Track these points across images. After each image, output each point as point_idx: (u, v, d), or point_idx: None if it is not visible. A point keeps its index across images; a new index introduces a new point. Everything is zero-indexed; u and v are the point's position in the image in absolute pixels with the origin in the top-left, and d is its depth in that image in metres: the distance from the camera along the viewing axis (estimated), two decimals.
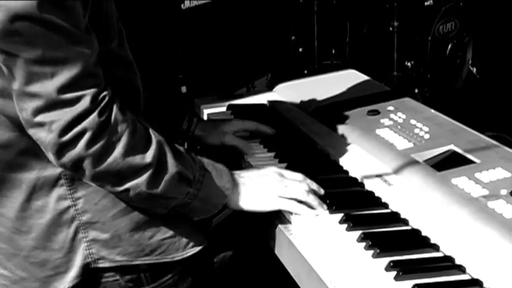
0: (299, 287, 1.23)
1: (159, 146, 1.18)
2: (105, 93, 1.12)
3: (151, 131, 1.19)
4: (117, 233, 1.22)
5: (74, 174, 1.18)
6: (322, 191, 1.32)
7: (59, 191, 1.20)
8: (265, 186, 1.29)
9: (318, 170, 1.43)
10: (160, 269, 1.27)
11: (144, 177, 1.15)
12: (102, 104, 1.11)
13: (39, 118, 1.08)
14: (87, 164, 1.12)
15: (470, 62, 3.50)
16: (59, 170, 1.18)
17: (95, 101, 1.10)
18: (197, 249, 1.29)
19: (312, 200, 1.28)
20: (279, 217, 1.31)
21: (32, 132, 1.11)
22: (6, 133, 1.17)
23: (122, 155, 1.13)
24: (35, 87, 1.06)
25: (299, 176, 1.32)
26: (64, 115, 1.08)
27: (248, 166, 1.49)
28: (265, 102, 1.87)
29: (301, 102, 1.82)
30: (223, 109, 1.84)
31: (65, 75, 1.06)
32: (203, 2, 2.80)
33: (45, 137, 1.09)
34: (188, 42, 2.75)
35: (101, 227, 1.22)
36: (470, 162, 1.35)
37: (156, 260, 1.25)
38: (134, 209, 1.23)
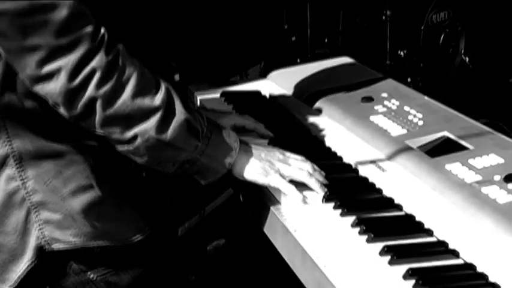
0: (293, 273, 1.23)
1: (168, 91, 1.16)
2: (102, 30, 1.10)
3: (159, 77, 1.17)
4: (69, 214, 1.18)
5: (84, 123, 1.13)
6: (323, 176, 1.30)
7: (7, 171, 1.16)
8: (270, 160, 1.27)
9: (311, 157, 1.42)
10: (114, 253, 1.24)
11: (153, 120, 1.14)
12: (106, 43, 1.09)
13: (46, 69, 1.07)
14: (98, 106, 1.10)
15: (462, 51, 3.50)
16: (6, 148, 1.15)
17: (95, 39, 1.08)
18: (142, 236, 1.25)
19: (314, 181, 1.27)
20: (270, 199, 1.30)
21: (39, 88, 1.09)
22: None
23: (131, 97, 1.11)
24: (34, 39, 1.05)
25: (301, 157, 1.31)
26: (69, 59, 1.06)
27: None
28: (258, 89, 1.86)
29: (295, 89, 1.81)
30: (217, 96, 1.83)
31: (56, 18, 1.05)
32: None
33: (54, 87, 1.07)
34: (181, 30, 2.73)
35: (52, 207, 1.18)
36: (464, 148, 1.35)
37: (109, 243, 1.22)
38: (85, 190, 1.19)
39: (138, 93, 1.12)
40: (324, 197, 1.27)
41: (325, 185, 1.29)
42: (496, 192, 1.18)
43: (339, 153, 1.47)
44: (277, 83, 1.88)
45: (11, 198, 1.18)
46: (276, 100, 1.77)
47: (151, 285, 1.29)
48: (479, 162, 1.28)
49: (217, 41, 2.93)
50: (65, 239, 1.19)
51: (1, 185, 1.17)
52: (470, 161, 1.29)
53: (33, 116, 1.16)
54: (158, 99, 1.14)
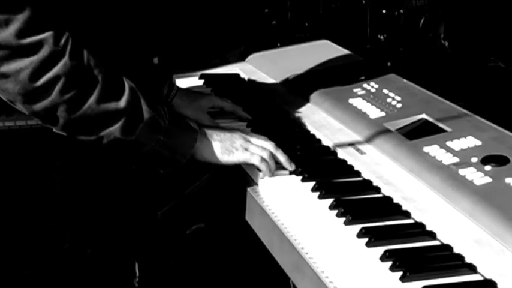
0: (271, 255, 1.22)
1: (133, 91, 1.15)
2: (66, 34, 1.08)
3: (123, 77, 1.16)
4: None
5: (45, 123, 1.13)
6: (292, 167, 1.30)
7: None
8: (232, 139, 1.28)
9: (290, 140, 1.41)
10: None
11: (119, 123, 1.13)
12: (70, 47, 1.07)
13: (4, 69, 1.05)
14: (61, 112, 1.09)
15: (442, 35, 3.51)
16: None
17: (58, 43, 1.06)
18: None
19: (280, 155, 1.28)
20: (248, 181, 1.30)
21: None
22: None
23: (96, 102, 1.10)
24: None
25: (266, 139, 1.31)
26: (30, 62, 1.05)
27: None
28: (237, 72, 1.84)
29: (274, 72, 1.80)
30: (196, 78, 1.81)
31: (19, 20, 1.03)
32: None
33: (11, 86, 1.06)
34: (162, 12, 2.70)
35: None
36: (442, 130, 1.35)
37: None
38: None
39: (103, 97, 1.11)
40: (301, 175, 1.27)
41: (303, 166, 1.28)
42: (473, 174, 1.18)
43: (317, 136, 1.46)
44: (256, 66, 1.87)
45: None
46: (254, 83, 1.76)
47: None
48: (457, 144, 1.28)
49: (198, 24, 2.91)
50: None
51: None
52: (448, 143, 1.29)
53: None
54: (123, 101, 1.14)
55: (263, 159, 1.27)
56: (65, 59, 1.07)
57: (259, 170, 1.28)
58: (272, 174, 1.28)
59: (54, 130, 1.14)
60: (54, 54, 1.06)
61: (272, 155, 1.28)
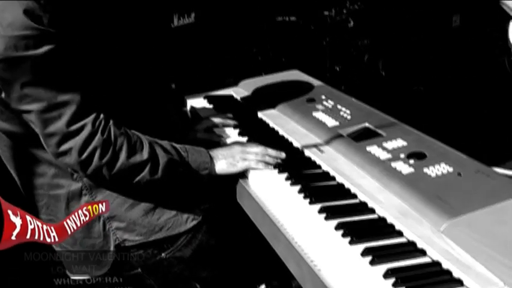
0: (258, 230, 1.21)
1: (150, 144, 1.18)
2: (101, 117, 1.12)
3: (140, 134, 1.18)
4: (131, 221, 1.21)
5: (97, 181, 1.17)
6: (283, 155, 1.31)
7: (85, 198, 1.20)
8: (232, 155, 1.28)
9: (270, 142, 1.40)
10: (173, 238, 1.25)
11: (146, 169, 1.16)
12: (102, 126, 1.11)
13: (62, 148, 1.09)
14: (104, 171, 1.12)
15: (381, 67, 3.54)
16: (80, 184, 1.19)
17: (95, 125, 1.10)
18: (195, 222, 1.25)
19: (268, 159, 1.29)
20: (241, 176, 1.28)
21: (60, 160, 1.11)
22: (42, 165, 1.18)
23: (126, 158, 1.13)
24: (51, 129, 1.07)
25: (257, 145, 1.31)
26: (76, 142, 1.09)
27: (221, 140, 1.46)
28: (231, 93, 1.83)
29: (258, 93, 1.79)
30: (201, 99, 1.80)
31: (68, 113, 1.07)
32: (188, 22, 2.73)
33: (69, 160, 1.11)
34: (177, 53, 2.70)
35: (119, 218, 1.21)
36: (379, 135, 1.35)
37: (166, 235, 1.23)
38: (141, 201, 1.21)
39: (130, 154, 1.14)
40: (278, 169, 1.26)
41: (278, 162, 1.28)
42: (401, 166, 1.18)
43: (289, 140, 1.45)
44: (245, 89, 1.86)
45: None
46: (243, 101, 1.75)
47: (207, 253, 1.29)
48: (390, 144, 1.28)
49: (203, 59, 2.92)
50: (132, 238, 1.22)
51: None
52: (384, 144, 1.29)
53: None
54: (145, 153, 1.16)
55: (259, 161, 1.27)
56: (98, 136, 1.10)
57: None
58: (273, 167, 1.27)
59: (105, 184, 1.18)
60: (91, 134, 1.10)
61: (264, 155, 1.29)
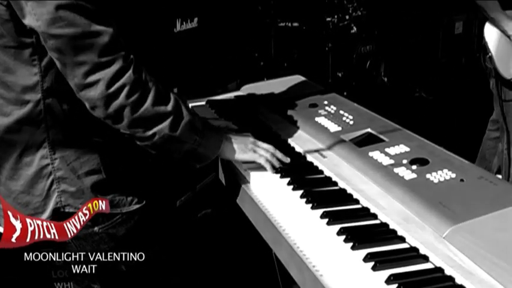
0: (259, 233, 1.21)
1: (176, 99, 1.16)
2: (132, 56, 1.09)
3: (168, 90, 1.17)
4: (80, 188, 1.17)
5: (114, 123, 1.12)
6: (288, 160, 1.31)
7: (42, 151, 1.15)
8: (245, 142, 1.29)
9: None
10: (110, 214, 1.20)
11: (167, 122, 1.13)
12: (133, 64, 1.08)
13: (89, 79, 1.05)
14: (126, 112, 1.09)
15: (382, 73, 3.54)
16: (44, 135, 1.13)
17: (126, 61, 1.07)
18: (138, 206, 1.22)
19: (275, 161, 1.29)
20: (242, 181, 1.29)
21: (83, 93, 1.07)
22: (9, 105, 1.12)
23: (151, 105, 1.10)
24: (81, 57, 1.04)
25: (267, 144, 1.32)
26: (106, 73, 1.05)
27: None
28: (233, 98, 1.84)
29: (260, 98, 1.79)
30: (203, 103, 1.80)
31: (100, 43, 1.05)
32: (191, 27, 2.75)
33: (94, 93, 1.06)
34: (179, 57, 2.71)
35: (70, 182, 1.16)
36: (382, 140, 1.35)
37: (109, 211, 1.18)
38: (95, 173, 1.17)
39: (156, 102, 1.11)
40: (280, 173, 1.26)
41: (281, 166, 1.29)
42: (403, 172, 1.18)
43: (292, 145, 1.45)
44: (248, 94, 1.86)
45: (41, 171, 1.16)
46: (245, 106, 1.75)
47: (141, 236, 1.26)
48: (392, 150, 1.28)
49: (207, 63, 2.93)
50: (75, 205, 1.17)
51: (36, 161, 1.16)
52: (386, 150, 1.29)
53: (66, 115, 1.14)
54: (170, 106, 1.14)
55: (267, 160, 1.28)
56: (130, 72, 1.07)
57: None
58: (275, 171, 1.28)
59: (121, 130, 1.13)
60: (122, 68, 1.07)
61: (273, 155, 1.29)
